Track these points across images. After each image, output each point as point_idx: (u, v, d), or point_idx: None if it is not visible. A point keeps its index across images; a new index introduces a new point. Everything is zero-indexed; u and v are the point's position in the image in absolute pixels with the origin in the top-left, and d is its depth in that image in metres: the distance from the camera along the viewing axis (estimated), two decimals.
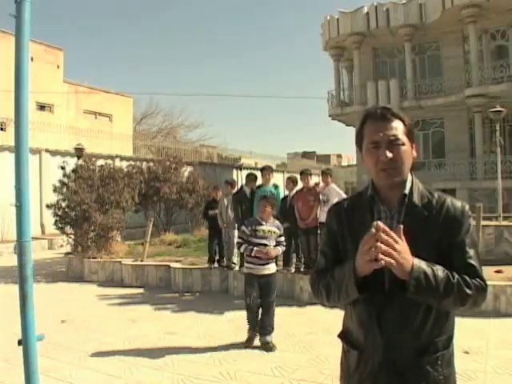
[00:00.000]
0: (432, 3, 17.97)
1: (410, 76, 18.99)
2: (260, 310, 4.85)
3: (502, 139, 13.72)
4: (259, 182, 7.58)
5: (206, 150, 30.42)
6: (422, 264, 1.32)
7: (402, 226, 1.31)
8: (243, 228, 4.95)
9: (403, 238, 1.31)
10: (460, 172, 17.51)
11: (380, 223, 1.30)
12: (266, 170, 7.21)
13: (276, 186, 7.46)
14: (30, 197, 2.35)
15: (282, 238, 4.99)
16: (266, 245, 4.75)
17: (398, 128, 1.45)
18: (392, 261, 1.26)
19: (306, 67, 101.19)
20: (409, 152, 1.46)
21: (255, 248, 4.72)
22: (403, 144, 1.44)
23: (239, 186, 7.94)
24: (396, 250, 1.27)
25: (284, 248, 5.03)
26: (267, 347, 4.64)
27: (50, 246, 14.61)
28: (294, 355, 4.43)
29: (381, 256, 1.26)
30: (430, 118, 19.22)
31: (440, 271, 1.34)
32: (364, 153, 1.50)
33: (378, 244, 1.26)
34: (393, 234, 1.29)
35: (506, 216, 11.21)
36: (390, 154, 1.41)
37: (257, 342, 4.87)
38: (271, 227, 4.85)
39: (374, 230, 1.28)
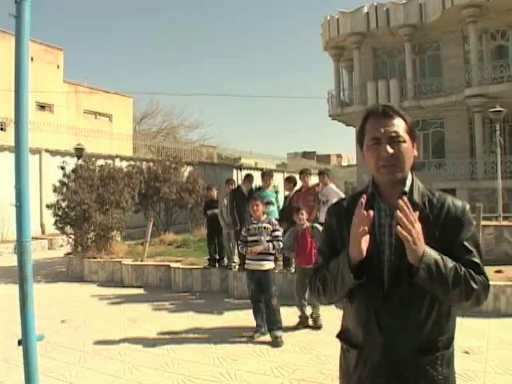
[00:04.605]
0: (432, 3, 17.97)
1: (410, 76, 19.00)
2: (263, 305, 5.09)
3: (502, 139, 13.71)
4: (258, 183, 7.64)
5: (206, 149, 30.41)
6: (433, 252, 1.34)
7: (418, 212, 1.33)
8: (242, 231, 5.25)
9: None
10: (460, 172, 17.51)
11: (404, 198, 1.33)
12: (266, 175, 7.44)
13: (276, 191, 7.61)
14: (29, 197, 2.34)
15: (278, 233, 5.07)
16: (257, 241, 4.98)
17: (399, 125, 1.46)
18: (409, 237, 1.28)
19: (306, 67, 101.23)
20: (410, 149, 1.46)
21: (247, 248, 5.03)
22: (404, 141, 1.45)
23: (237, 186, 7.98)
24: (414, 228, 1.30)
25: (281, 243, 5.06)
26: (275, 342, 4.76)
27: (50, 246, 14.62)
28: (294, 355, 4.43)
29: (400, 229, 1.28)
30: (430, 118, 19.22)
31: (449, 261, 1.35)
32: (365, 150, 1.50)
33: (400, 216, 1.29)
34: (413, 214, 1.31)
35: (505, 216, 11.20)
36: (390, 150, 1.42)
37: (260, 338, 4.94)
38: (263, 224, 5.07)
39: (361, 203, 1.34)
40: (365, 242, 1.34)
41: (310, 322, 5.36)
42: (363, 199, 1.35)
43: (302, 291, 5.31)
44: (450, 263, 1.35)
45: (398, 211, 1.30)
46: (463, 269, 1.36)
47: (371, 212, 1.34)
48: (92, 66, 63.69)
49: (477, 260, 1.41)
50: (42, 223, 15.78)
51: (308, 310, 5.35)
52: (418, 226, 1.31)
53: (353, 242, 1.36)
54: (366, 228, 1.34)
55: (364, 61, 20.36)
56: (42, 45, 22.39)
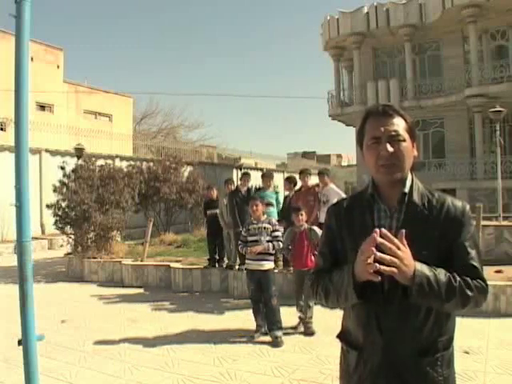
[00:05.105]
0: (432, 3, 17.97)
1: (410, 76, 19.00)
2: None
3: (502, 139, 13.71)
4: (257, 182, 7.65)
5: (206, 149, 30.41)
6: (424, 268, 1.31)
7: (404, 231, 1.30)
8: (242, 231, 5.26)
9: (405, 242, 1.29)
10: (460, 172, 17.51)
11: (383, 230, 1.28)
12: (267, 177, 7.47)
13: (276, 192, 7.61)
14: (29, 197, 2.34)
15: (278, 233, 5.06)
16: (257, 241, 4.97)
17: (399, 124, 1.45)
18: (394, 270, 1.25)
19: (306, 67, 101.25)
20: (409, 149, 1.45)
21: (247, 248, 5.02)
22: (404, 140, 1.44)
23: (236, 186, 8.00)
24: (399, 257, 1.26)
25: (280, 243, 5.05)
26: (275, 342, 4.75)
27: (50, 246, 14.62)
28: (294, 355, 4.43)
29: (383, 267, 1.24)
30: (430, 118, 19.21)
31: (442, 275, 1.33)
32: (365, 149, 1.49)
33: (380, 255, 1.25)
34: (396, 240, 1.28)
35: (505, 216, 11.21)
36: (390, 149, 1.41)
37: (260, 338, 4.94)
38: (263, 224, 5.05)
39: (374, 235, 1.26)
40: (370, 264, 1.28)
41: (301, 328, 5.21)
42: (377, 229, 1.28)
43: (299, 293, 5.29)
44: (443, 277, 1.32)
45: (378, 253, 1.25)
46: (458, 279, 1.34)
47: (383, 231, 1.29)
48: (92, 66, 63.83)
49: (475, 263, 1.40)
50: (42, 223, 15.78)
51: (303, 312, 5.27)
52: (404, 250, 1.27)
53: (359, 268, 1.31)
54: (375, 259, 1.28)
55: (364, 61, 20.36)
56: (42, 45, 22.40)
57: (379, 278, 1.27)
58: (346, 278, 1.37)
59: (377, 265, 1.25)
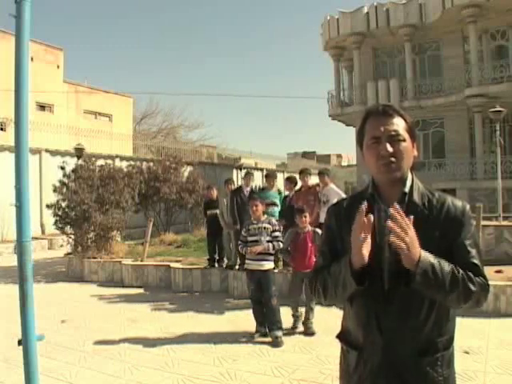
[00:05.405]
0: (432, 3, 17.97)
1: (410, 76, 19.00)
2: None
3: (502, 139, 13.72)
4: (258, 182, 7.67)
5: (206, 149, 30.42)
6: (429, 256, 1.32)
7: (412, 217, 1.31)
8: (242, 231, 5.25)
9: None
10: (460, 172, 17.51)
11: (396, 204, 1.31)
12: (270, 177, 7.54)
13: (280, 192, 7.64)
14: (29, 197, 2.34)
15: (277, 234, 5.05)
16: (257, 241, 4.97)
17: (399, 124, 1.45)
18: (403, 245, 1.26)
19: (306, 67, 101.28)
20: (409, 149, 1.46)
21: (247, 248, 5.01)
22: (404, 140, 1.44)
23: (238, 186, 8.02)
24: (408, 234, 1.28)
25: (280, 243, 5.04)
26: (275, 342, 4.75)
27: (50, 246, 14.62)
28: (294, 355, 4.43)
29: (392, 238, 1.26)
30: (430, 118, 19.22)
31: (446, 265, 1.34)
32: (365, 149, 1.50)
33: (392, 225, 1.27)
34: (406, 219, 1.29)
35: (505, 216, 11.21)
36: (390, 148, 1.41)
37: (260, 338, 4.94)
38: (263, 224, 5.05)
39: (363, 206, 1.33)
40: (366, 247, 1.32)
41: (301, 327, 5.21)
42: (364, 206, 1.33)
43: (297, 294, 5.27)
44: (447, 267, 1.33)
45: (390, 221, 1.28)
46: (461, 271, 1.35)
47: (371, 217, 1.32)
48: (92, 66, 63.82)
49: (476, 261, 1.40)
50: (42, 223, 15.77)
51: (302, 312, 5.26)
52: (412, 232, 1.29)
53: (354, 248, 1.34)
54: (368, 234, 1.32)
55: (364, 61, 20.36)
56: (42, 45, 22.40)
57: (370, 246, 1.32)
58: (343, 267, 1.39)
59: (395, 228, 1.27)
